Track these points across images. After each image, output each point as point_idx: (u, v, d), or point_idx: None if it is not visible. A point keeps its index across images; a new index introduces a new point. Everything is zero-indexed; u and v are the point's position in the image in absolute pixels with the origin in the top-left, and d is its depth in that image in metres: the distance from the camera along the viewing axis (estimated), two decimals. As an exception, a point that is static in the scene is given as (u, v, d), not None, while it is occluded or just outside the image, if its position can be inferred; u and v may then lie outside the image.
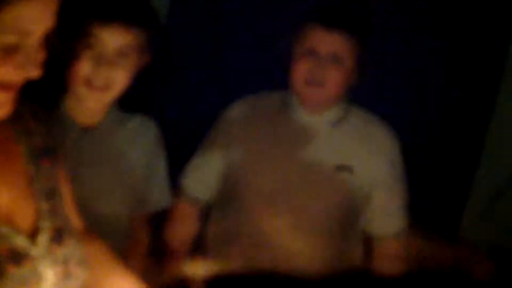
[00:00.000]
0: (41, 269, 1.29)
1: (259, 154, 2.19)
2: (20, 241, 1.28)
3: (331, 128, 2.18)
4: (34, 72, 1.28)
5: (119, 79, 1.90)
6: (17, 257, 1.26)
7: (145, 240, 2.23)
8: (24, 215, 1.33)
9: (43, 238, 1.32)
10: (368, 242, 2.30)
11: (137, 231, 2.17)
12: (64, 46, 1.86)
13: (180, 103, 2.86)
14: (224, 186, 2.27)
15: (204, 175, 2.29)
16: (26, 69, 1.27)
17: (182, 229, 2.35)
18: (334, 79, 2.10)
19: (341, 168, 2.15)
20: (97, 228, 1.77)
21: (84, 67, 1.87)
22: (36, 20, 1.25)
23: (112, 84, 1.90)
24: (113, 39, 1.86)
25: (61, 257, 1.33)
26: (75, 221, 1.53)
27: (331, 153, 2.16)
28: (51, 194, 1.39)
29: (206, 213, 2.36)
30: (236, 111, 2.26)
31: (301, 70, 2.12)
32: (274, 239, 2.16)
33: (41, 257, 1.30)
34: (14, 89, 1.29)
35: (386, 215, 2.24)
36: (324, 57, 2.09)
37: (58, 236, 1.35)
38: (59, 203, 1.41)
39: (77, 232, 1.45)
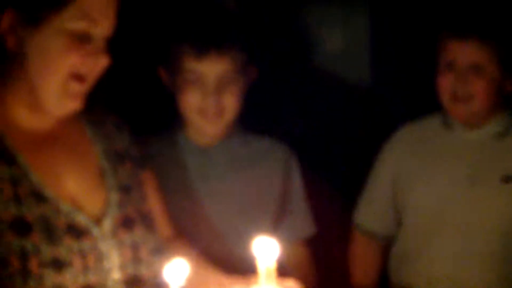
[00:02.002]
0: (104, 248, 1.51)
1: (422, 173, 2.13)
2: (81, 219, 1.51)
3: (494, 141, 2.09)
4: (101, 63, 1.52)
5: (230, 103, 1.95)
6: (76, 232, 1.49)
7: (311, 277, 2.14)
8: (93, 201, 1.56)
9: (107, 222, 1.55)
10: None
11: (298, 267, 2.08)
12: (171, 80, 2.01)
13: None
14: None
15: (378, 208, 2.25)
16: (95, 59, 1.51)
17: (365, 268, 2.28)
18: (480, 89, 2.01)
19: (508, 179, 2.06)
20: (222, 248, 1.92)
21: (193, 99, 1.93)
22: (101, 11, 1.50)
23: (224, 109, 1.95)
24: (210, 70, 1.92)
25: (129, 242, 1.55)
26: (163, 224, 1.75)
27: (496, 166, 2.07)
28: (126, 190, 1.62)
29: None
30: (398, 137, 2.23)
31: (444, 86, 2.06)
32: (442, 258, 2.10)
33: (104, 238, 1.52)
34: (86, 82, 1.52)
35: None
36: (464, 69, 2.01)
37: (126, 224, 1.57)
38: (136, 199, 1.63)
39: (156, 227, 1.65)
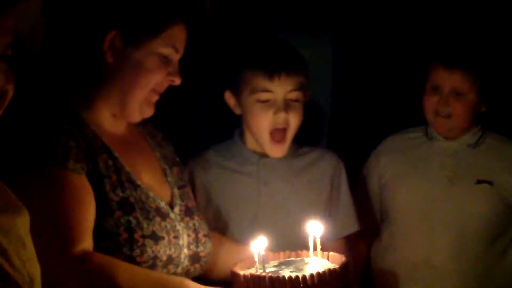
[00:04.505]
0: (179, 229, 1.85)
1: (407, 176, 2.47)
2: (163, 204, 1.85)
3: (469, 149, 2.45)
4: (175, 83, 1.87)
5: (294, 121, 2.23)
6: (161, 213, 1.82)
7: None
8: (163, 193, 1.89)
9: (177, 209, 1.89)
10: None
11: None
12: (240, 102, 2.26)
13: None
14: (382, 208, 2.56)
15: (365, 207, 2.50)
16: (173, 78, 1.87)
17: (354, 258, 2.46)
18: (459, 111, 2.38)
19: (480, 182, 2.41)
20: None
21: (265, 115, 2.22)
22: (181, 42, 1.87)
23: (289, 127, 2.22)
24: (280, 88, 2.20)
25: (192, 226, 1.90)
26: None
27: (471, 171, 2.42)
28: (181, 187, 1.97)
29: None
30: (383, 146, 2.56)
31: (429, 105, 2.42)
32: (423, 247, 2.42)
33: (177, 221, 1.86)
34: (159, 95, 1.88)
35: None
36: (447, 93, 2.37)
37: (188, 212, 1.92)
38: (188, 196, 1.99)
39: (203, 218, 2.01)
